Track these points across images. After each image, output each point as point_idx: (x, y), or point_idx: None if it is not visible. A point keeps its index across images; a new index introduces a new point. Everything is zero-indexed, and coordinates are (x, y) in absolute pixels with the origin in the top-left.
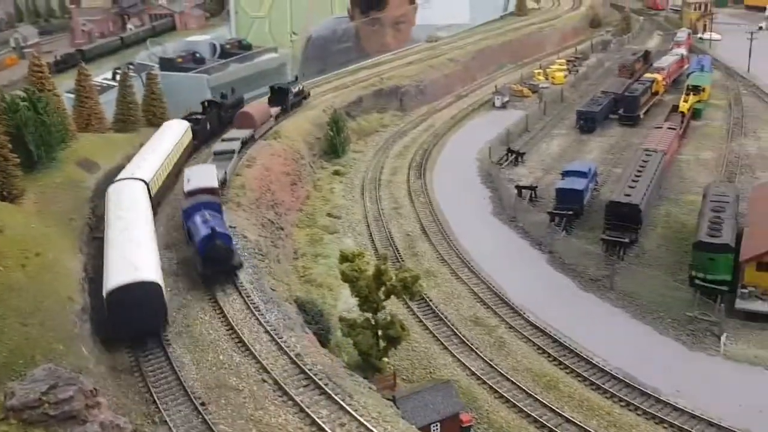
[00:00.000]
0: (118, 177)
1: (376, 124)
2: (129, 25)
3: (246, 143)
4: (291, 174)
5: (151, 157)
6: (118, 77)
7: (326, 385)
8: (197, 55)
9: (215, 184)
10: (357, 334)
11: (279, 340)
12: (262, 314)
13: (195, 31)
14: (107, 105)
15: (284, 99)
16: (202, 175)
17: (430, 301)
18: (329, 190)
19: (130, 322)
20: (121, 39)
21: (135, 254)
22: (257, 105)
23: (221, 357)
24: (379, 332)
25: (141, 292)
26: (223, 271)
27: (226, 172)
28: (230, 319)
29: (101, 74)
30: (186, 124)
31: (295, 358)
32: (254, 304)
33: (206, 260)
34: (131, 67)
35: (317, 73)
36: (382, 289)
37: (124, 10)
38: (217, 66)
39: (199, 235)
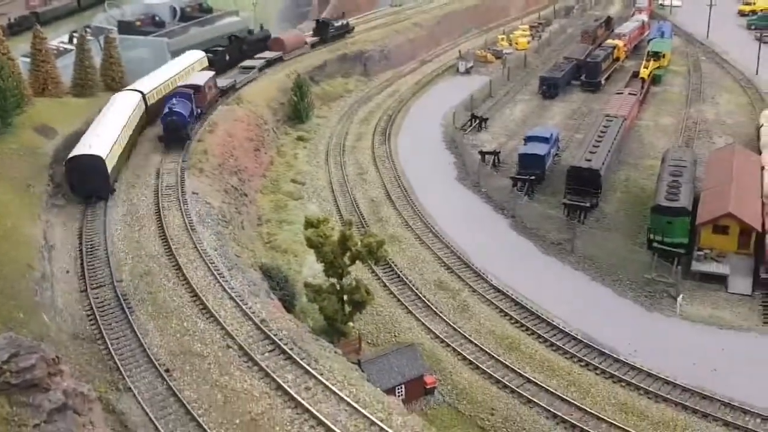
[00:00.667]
0: (124, 88)
1: (341, 89)
2: None
3: (271, 63)
4: (254, 140)
5: (156, 76)
6: (75, 41)
7: (291, 349)
8: (157, 18)
9: (201, 83)
10: (322, 300)
11: (244, 306)
12: (227, 281)
13: None
14: (64, 69)
15: (325, 31)
16: (198, 77)
17: (395, 265)
18: (293, 155)
19: (83, 185)
20: (78, 1)
21: (95, 138)
22: (292, 33)
23: (185, 324)
24: (345, 297)
25: (89, 163)
26: (177, 138)
27: (236, 80)
28: (194, 286)
29: (57, 37)
30: (201, 54)
31: (260, 324)
32: (218, 270)
33: (165, 130)
34: (88, 30)
35: None
36: (347, 254)
37: None
38: (178, 30)
39: (163, 112)
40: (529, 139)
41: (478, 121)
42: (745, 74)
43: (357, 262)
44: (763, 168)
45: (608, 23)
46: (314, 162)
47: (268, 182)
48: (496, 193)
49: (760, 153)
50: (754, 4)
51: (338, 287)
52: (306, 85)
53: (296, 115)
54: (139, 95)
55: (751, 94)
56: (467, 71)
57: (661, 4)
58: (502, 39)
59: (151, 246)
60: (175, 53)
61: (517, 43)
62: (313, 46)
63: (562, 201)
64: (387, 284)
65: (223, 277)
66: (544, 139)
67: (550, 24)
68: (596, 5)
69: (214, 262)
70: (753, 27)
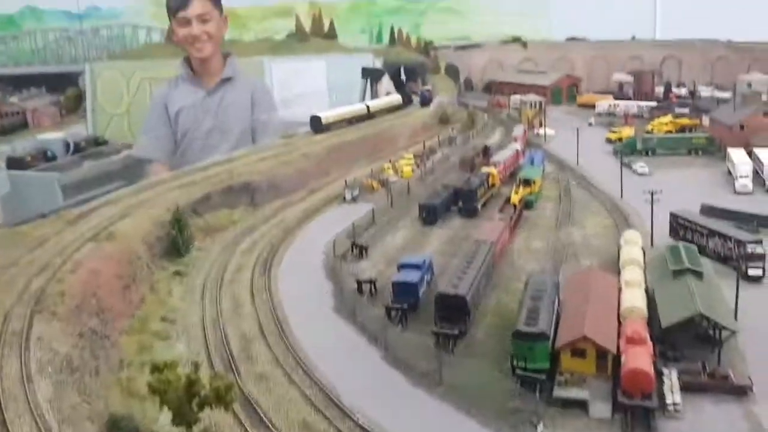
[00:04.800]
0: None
1: (226, 221)
2: None
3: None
4: (124, 277)
5: (379, 100)
6: None
7: None
8: (49, 153)
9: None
10: None
11: None
12: None
13: (49, 128)
14: None
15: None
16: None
17: (259, 407)
18: (167, 292)
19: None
20: None
21: (331, 110)
22: None
23: None
24: None
25: (315, 118)
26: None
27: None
28: None
29: None
30: (398, 96)
31: None
32: (47, 425)
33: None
34: None
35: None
36: (195, 399)
37: None
38: (69, 164)
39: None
40: (402, 267)
41: (358, 249)
42: (610, 198)
43: (208, 407)
44: (620, 289)
45: (486, 151)
46: (189, 298)
47: (135, 322)
48: (371, 323)
49: (620, 273)
50: (620, 132)
51: None
52: (185, 218)
53: (175, 249)
54: (365, 106)
55: (616, 217)
56: (353, 199)
57: (537, 133)
58: (388, 168)
59: None
60: (66, 188)
61: (402, 172)
62: None
63: (432, 329)
64: (248, 429)
65: None
66: (417, 266)
67: (435, 152)
68: (479, 135)
69: (44, 416)
70: (619, 153)
